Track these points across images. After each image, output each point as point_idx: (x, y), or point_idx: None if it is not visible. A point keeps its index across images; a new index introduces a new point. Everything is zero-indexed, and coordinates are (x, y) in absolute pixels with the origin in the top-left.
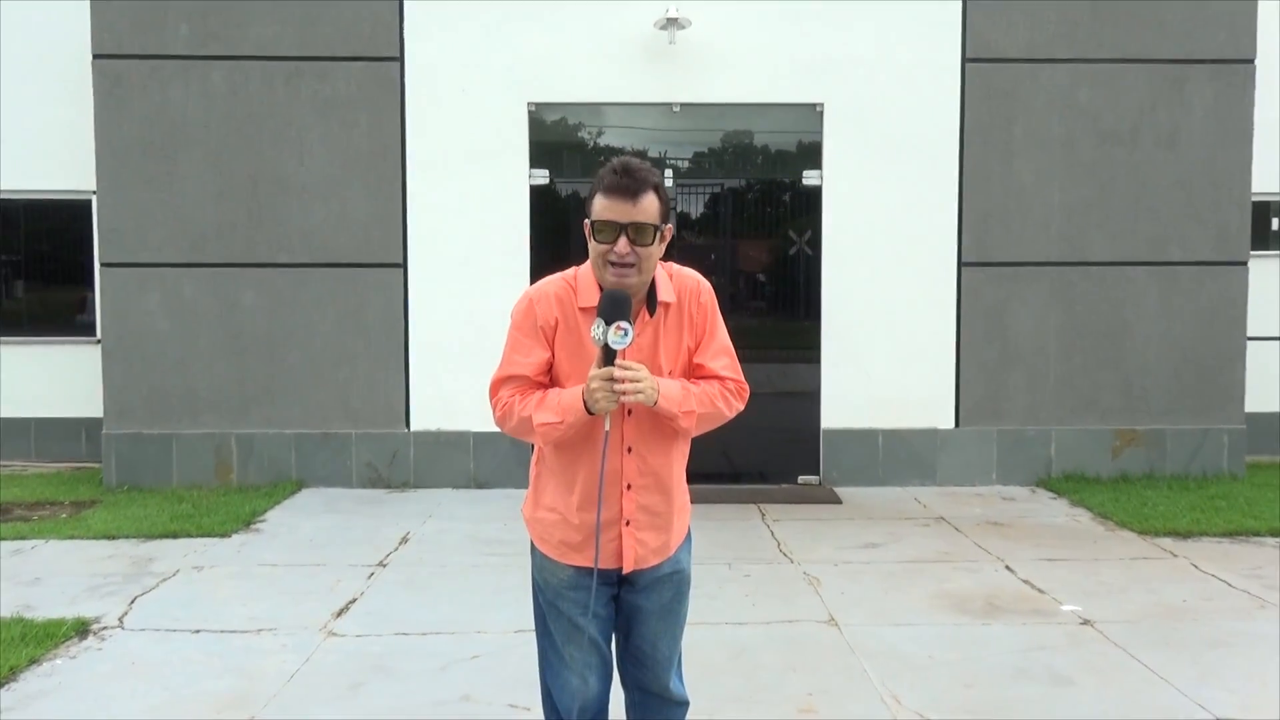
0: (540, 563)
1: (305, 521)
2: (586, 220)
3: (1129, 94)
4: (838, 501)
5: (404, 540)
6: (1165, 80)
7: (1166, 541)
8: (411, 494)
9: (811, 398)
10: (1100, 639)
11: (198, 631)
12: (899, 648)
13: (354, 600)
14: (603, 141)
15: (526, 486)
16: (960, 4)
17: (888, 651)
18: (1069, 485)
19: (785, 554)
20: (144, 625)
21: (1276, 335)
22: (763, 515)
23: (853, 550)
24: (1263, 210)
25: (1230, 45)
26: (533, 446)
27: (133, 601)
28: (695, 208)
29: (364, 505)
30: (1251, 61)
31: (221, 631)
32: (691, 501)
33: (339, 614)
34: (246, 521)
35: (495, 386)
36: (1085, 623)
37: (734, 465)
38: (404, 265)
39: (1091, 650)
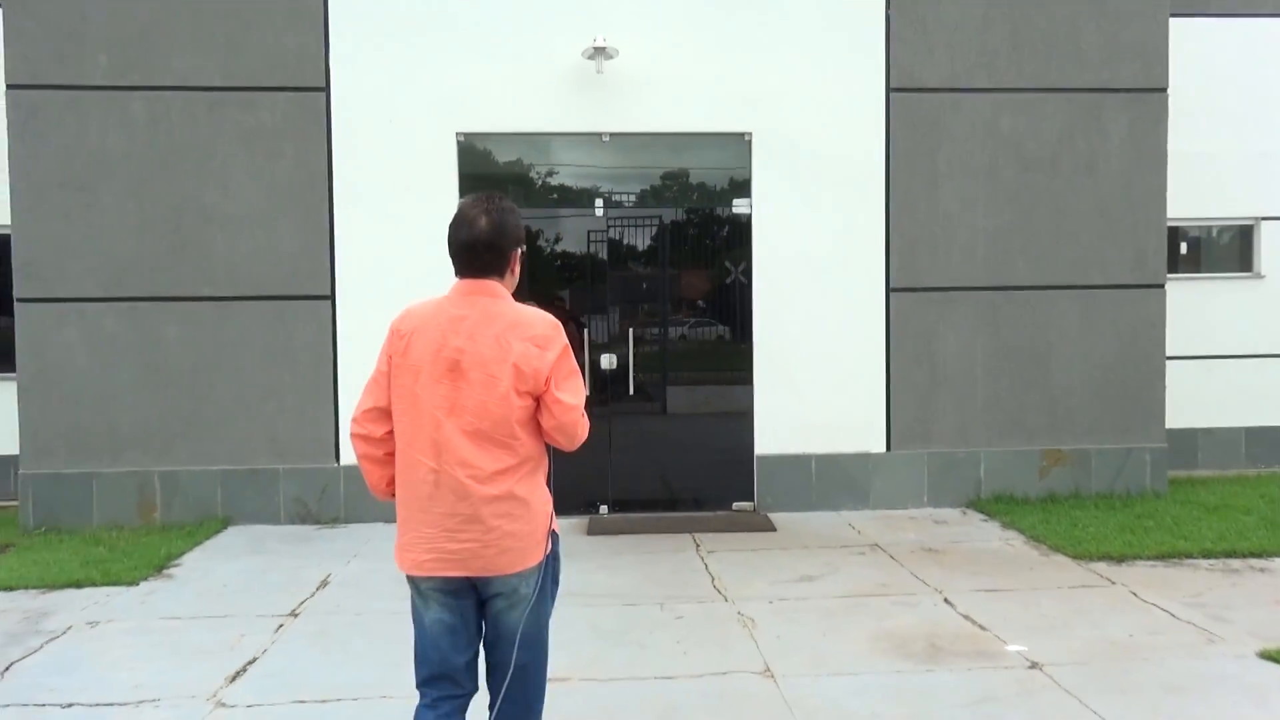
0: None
1: (223, 565)
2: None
3: (1049, 122)
4: (772, 529)
5: (323, 584)
6: (1083, 109)
7: (1101, 566)
8: (341, 530)
9: (745, 423)
10: (1051, 685)
11: (70, 705)
12: (840, 703)
13: (254, 660)
14: (533, 172)
15: None
16: (883, 35)
17: (829, 708)
18: (999, 506)
19: (719, 590)
20: (10, 699)
21: (1187, 355)
22: (697, 546)
23: (789, 584)
24: (1171, 235)
25: (1144, 74)
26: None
27: (7, 668)
28: (627, 237)
29: (290, 544)
30: (1164, 90)
31: (97, 704)
32: (629, 531)
33: (234, 678)
34: (160, 566)
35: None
36: (1033, 665)
37: (671, 491)
38: (332, 297)
39: (1044, 700)
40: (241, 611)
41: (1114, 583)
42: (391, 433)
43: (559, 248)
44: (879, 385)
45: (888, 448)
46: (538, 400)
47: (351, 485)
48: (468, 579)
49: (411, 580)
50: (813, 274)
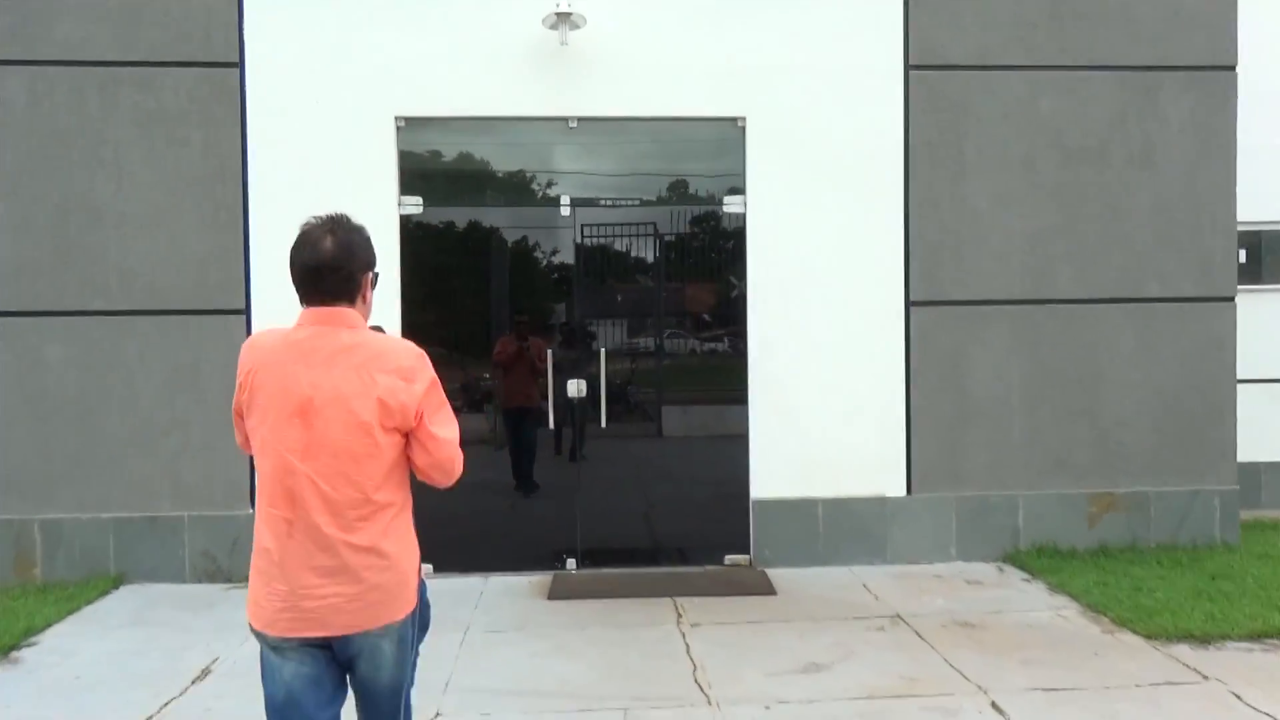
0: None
1: (91, 643)
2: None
3: (1096, 105)
4: (771, 591)
5: (204, 673)
6: (1137, 89)
7: (1184, 651)
8: None
9: (738, 461)
10: None
11: None
12: None
13: None
14: (487, 163)
15: None
16: (901, 2)
17: None
18: (1042, 561)
19: (701, 686)
20: None
21: (1250, 378)
22: (679, 616)
23: (790, 677)
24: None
25: (1208, 49)
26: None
27: None
28: (598, 241)
29: (186, 610)
30: (1233, 69)
31: None
32: (598, 594)
33: None
34: (11, 645)
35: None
36: None
37: (653, 539)
38: (247, 311)
39: None
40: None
41: (1206, 677)
42: None
43: (517, 253)
44: (897, 416)
45: (908, 490)
46: (406, 437)
47: None
48: (325, 639)
49: (260, 635)
50: (817, 284)
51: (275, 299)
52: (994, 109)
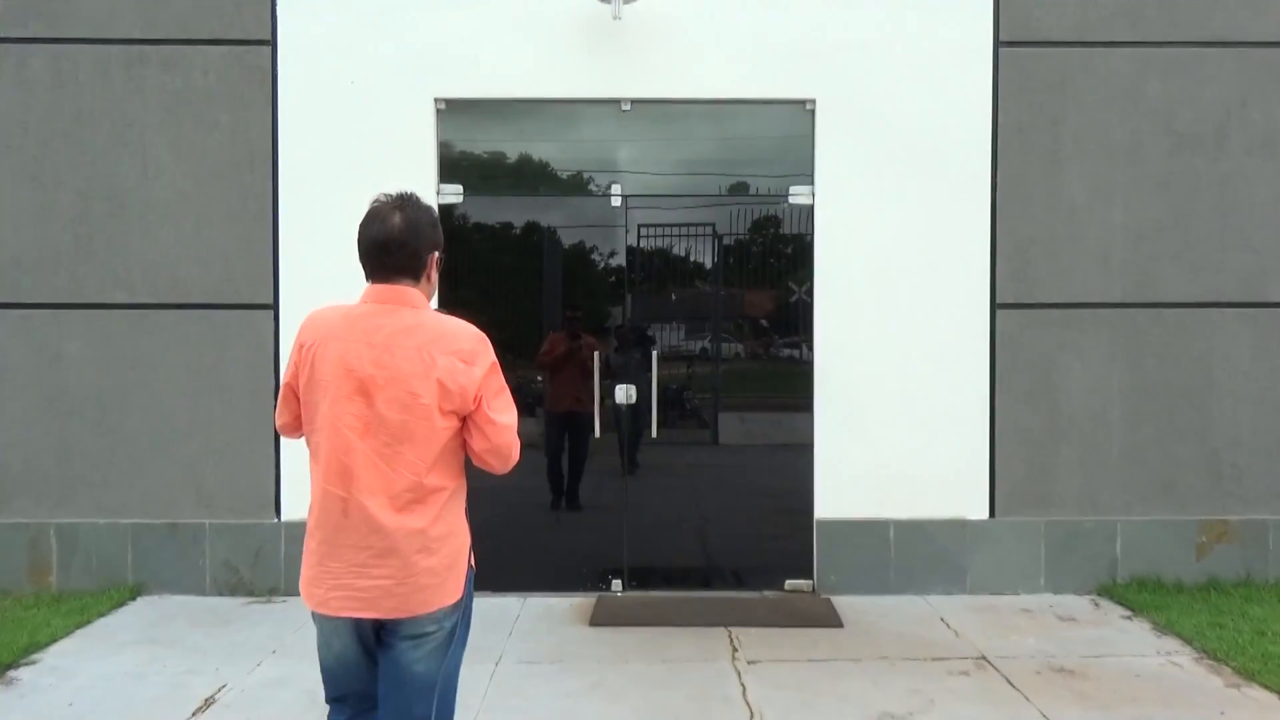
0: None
1: (94, 662)
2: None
3: (1212, 86)
4: (837, 623)
5: (207, 704)
6: (1259, 68)
7: None
8: (276, 606)
9: (802, 477)
10: None
11: None
12: None
13: None
14: (532, 149)
15: None
16: None
17: None
18: (1144, 596)
19: None
20: None
21: None
22: (734, 651)
23: None
24: None
25: None
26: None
27: None
28: (651, 234)
29: (202, 626)
30: None
31: None
32: (645, 621)
33: None
34: (9, 663)
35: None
36: None
37: (706, 559)
38: (275, 306)
39: None
40: None
41: None
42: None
43: (564, 245)
44: (980, 431)
45: (991, 513)
46: (464, 421)
47: (295, 547)
48: (375, 620)
49: (314, 613)
50: (893, 283)
51: (305, 293)
52: (1094, 90)
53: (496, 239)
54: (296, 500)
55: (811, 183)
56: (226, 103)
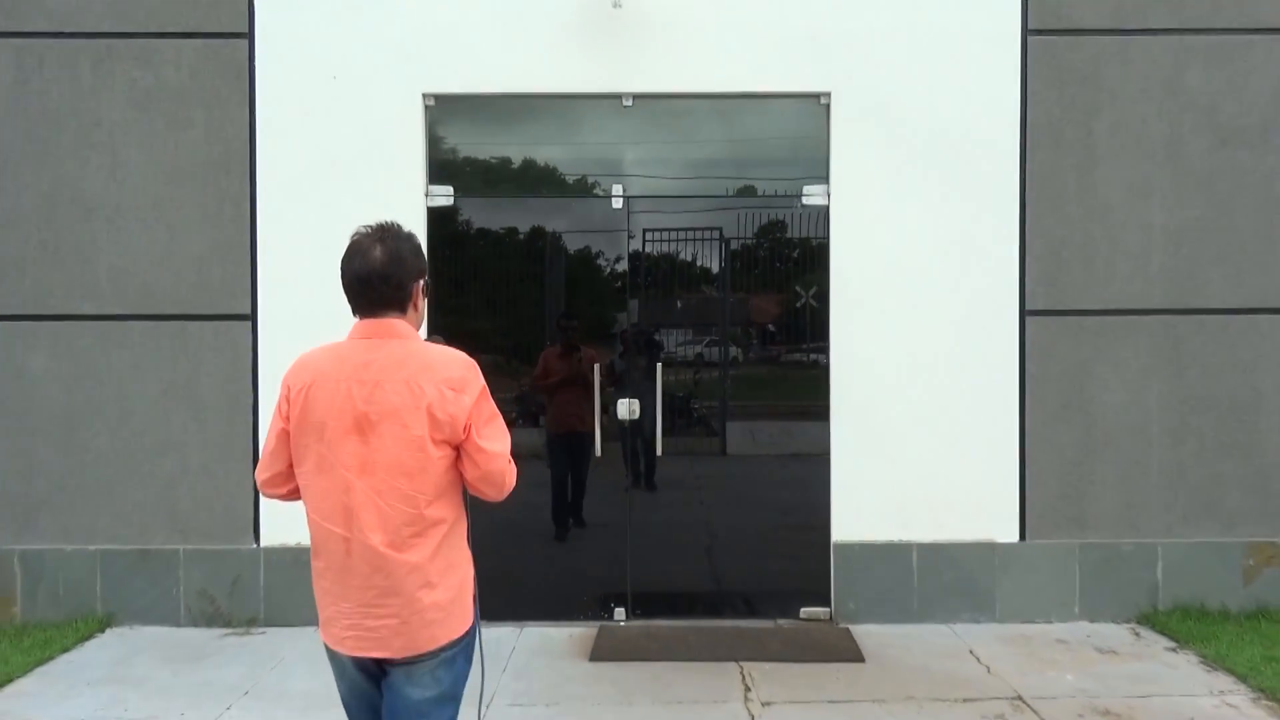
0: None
1: (48, 708)
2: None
3: (1259, 76)
4: (858, 658)
5: None
6: None
7: None
8: (255, 638)
9: (818, 496)
10: None
11: None
12: None
13: None
14: (527, 148)
15: None
16: None
17: None
18: (1188, 625)
19: None
20: None
21: None
22: (746, 691)
23: None
24: None
25: None
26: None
27: None
28: (655, 238)
29: (170, 664)
30: None
31: None
32: (649, 655)
33: None
34: None
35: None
36: None
37: (717, 585)
38: (253, 316)
39: None
40: None
41: None
42: (298, 488)
43: (562, 250)
44: (1009, 447)
45: (1022, 535)
46: (457, 450)
47: (275, 575)
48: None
49: (331, 651)
50: (914, 288)
51: (285, 303)
52: (1131, 81)
53: (489, 243)
54: (276, 524)
55: (826, 182)
56: (201, 100)
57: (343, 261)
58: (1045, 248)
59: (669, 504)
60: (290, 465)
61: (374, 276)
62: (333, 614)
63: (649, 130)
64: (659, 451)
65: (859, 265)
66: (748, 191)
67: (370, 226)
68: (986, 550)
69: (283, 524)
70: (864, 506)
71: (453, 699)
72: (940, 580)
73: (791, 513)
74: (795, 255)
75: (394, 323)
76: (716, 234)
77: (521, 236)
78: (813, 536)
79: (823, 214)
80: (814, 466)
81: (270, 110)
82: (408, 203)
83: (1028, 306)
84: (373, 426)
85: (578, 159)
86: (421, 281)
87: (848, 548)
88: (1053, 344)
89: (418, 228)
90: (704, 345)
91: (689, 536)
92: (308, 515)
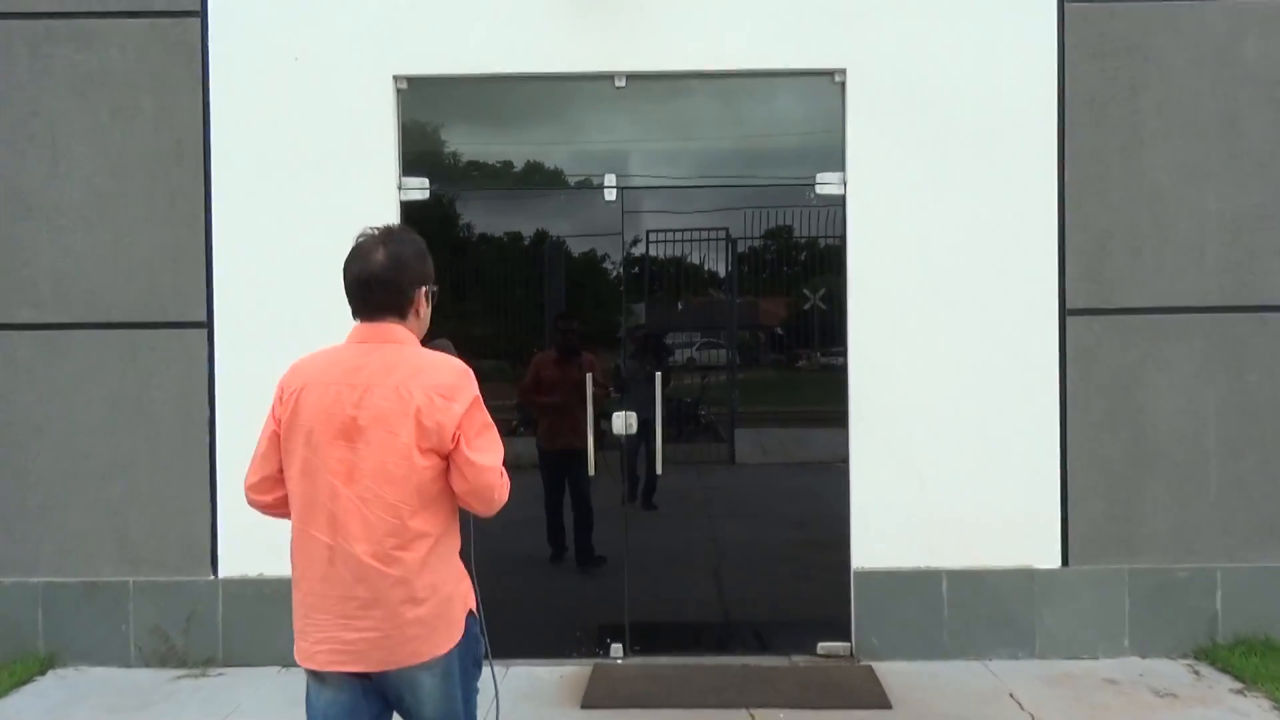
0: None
1: None
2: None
3: None
4: (884, 703)
5: None
6: None
7: None
8: (211, 681)
9: (836, 519)
10: None
11: None
12: None
13: None
14: (509, 135)
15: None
16: None
17: None
18: (1253, 662)
19: None
20: None
21: None
22: None
23: None
24: None
25: None
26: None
27: None
28: (651, 236)
29: (116, 712)
30: None
31: None
32: (648, 701)
33: None
34: None
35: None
36: None
37: (724, 616)
38: (209, 324)
39: None
40: None
41: None
42: (286, 497)
43: (550, 247)
44: (1049, 462)
45: (1064, 561)
46: (447, 460)
47: (235, 609)
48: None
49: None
50: (941, 285)
51: (243, 309)
52: (1182, 53)
53: (469, 241)
54: (236, 554)
55: (842, 169)
56: (149, 85)
57: (345, 263)
58: (1087, 239)
59: (670, 539)
60: (280, 470)
61: (374, 280)
62: (306, 625)
63: (644, 114)
64: (658, 468)
65: (879, 262)
66: (755, 181)
67: (376, 228)
68: (1025, 577)
69: (243, 553)
70: (887, 529)
71: (458, 699)
72: (973, 611)
73: (808, 541)
74: (807, 252)
75: (391, 328)
76: (721, 230)
77: (504, 233)
78: (829, 557)
79: (838, 204)
80: (833, 488)
81: (225, 96)
82: (379, 196)
83: (1068, 305)
84: (360, 432)
85: (566, 147)
86: (425, 288)
87: (869, 575)
88: (1096, 346)
89: (390, 222)
90: (696, 349)
91: (692, 566)
92: (293, 521)
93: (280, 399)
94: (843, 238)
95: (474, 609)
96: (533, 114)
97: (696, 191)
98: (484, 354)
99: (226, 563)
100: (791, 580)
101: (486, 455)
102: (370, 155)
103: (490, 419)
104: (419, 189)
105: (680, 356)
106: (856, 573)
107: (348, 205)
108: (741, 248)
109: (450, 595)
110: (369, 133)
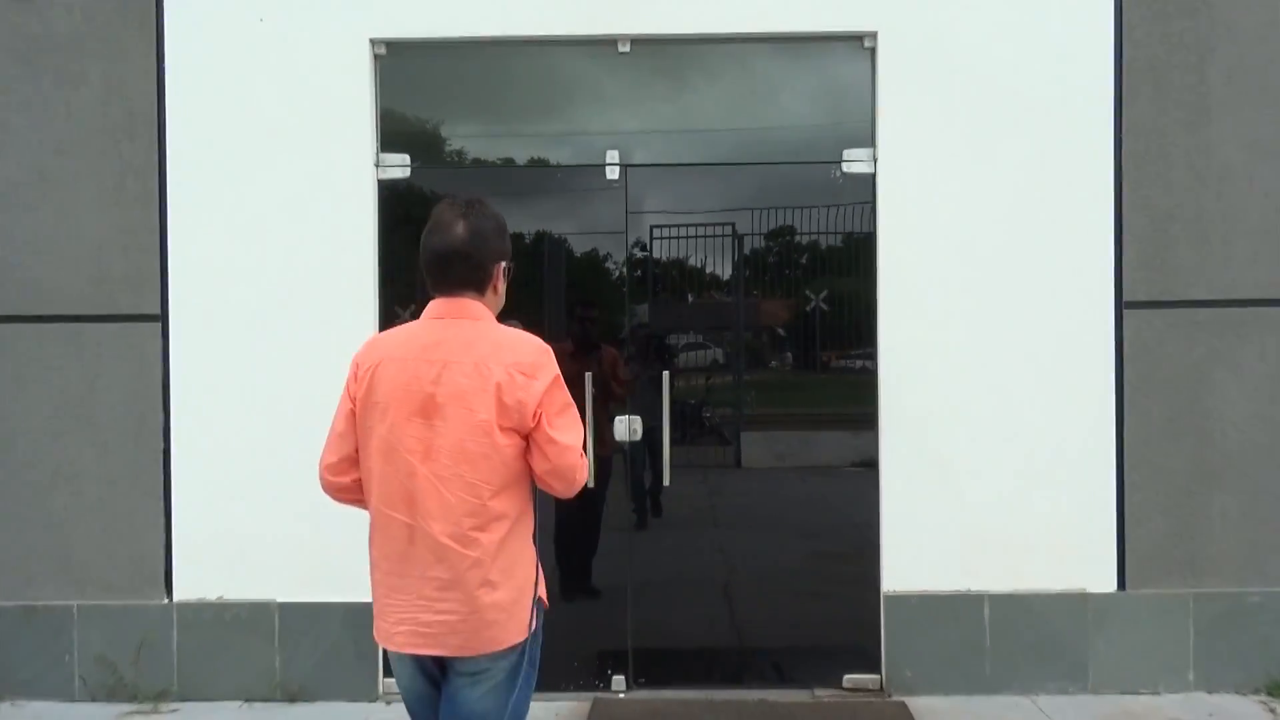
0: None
1: None
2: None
3: None
4: None
5: None
6: None
7: None
8: (168, 718)
9: (865, 537)
10: None
11: None
12: None
13: None
14: (502, 105)
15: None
16: None
17: None
18: None
19: None
20: None
21: None
22: None
23: None
24: None
25: None
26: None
27: None
28: (658, 219)
29: None
30: None
31: None
32: None
33: None
34: None
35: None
36: None
37: (738, 642)
38: (163, 317)
39: None
40: None
41: None
42: (360, 480)
43: (545, 230)
44: (1104, 473)
45: (1120, 584)
46: (526, 439)
47: (191, 637)
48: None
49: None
50: (983, 276)
51: (202, 300)
52: (1253, 12)
53: None
54: (192, 575)
55: (872, 144)
56: (97, 50)
57: (424, 235)
58: (1147, 223)
59: (680, 557)
60: (357, 450)
61: (454, 255)
62: (385, 605)
63: (651, 82)
64: (666, 479)
65: (912, 246)
66: (774, 157)
67: (456, 199)
68: (1077, 602)
69: (201, 574)
70: (921, 549)
71: (518, 710)
72: (1019, 640)
73: (833, 560)
74: (831, 236)
75: (469, 303)
76: (730, 226)
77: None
78: (855, 576)
79: (868, 184)
80: (861, 502)
81: (182, 63)
82: (354, 174)
83: (1126, 297)
84: (438, 409)
85: (564, 119)
86: (504, 264)
87: (901, 600)
88: (1158, 343)
89: (367, 203)
90: (696, 343)
91: (702, 588)
92: (369, 502)
93: (355, 376)
94: (872, 219)
95: (543, 598)
96: (526, 82)
97: (707, 169)
98: None
99: (182, 585)
100: (812, 601)
101: (568, 434)
102: (344, 128)
103: (570, 398)
104: (399, 166)
105: (712, 355)
106: (887, 597)
107: (319, 184)
108: (757, 228)
109: (526, 581)
110: (343, 103)
